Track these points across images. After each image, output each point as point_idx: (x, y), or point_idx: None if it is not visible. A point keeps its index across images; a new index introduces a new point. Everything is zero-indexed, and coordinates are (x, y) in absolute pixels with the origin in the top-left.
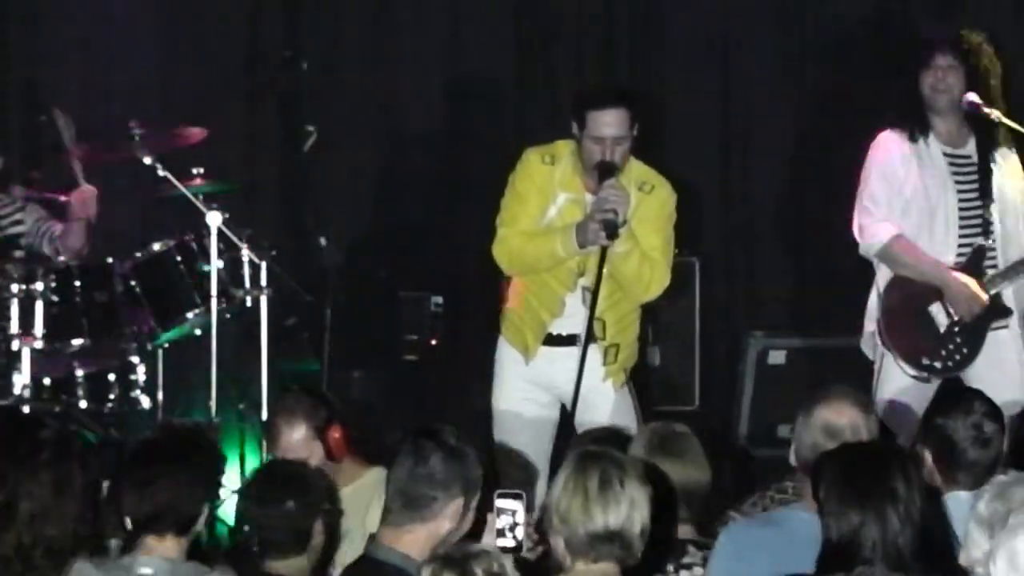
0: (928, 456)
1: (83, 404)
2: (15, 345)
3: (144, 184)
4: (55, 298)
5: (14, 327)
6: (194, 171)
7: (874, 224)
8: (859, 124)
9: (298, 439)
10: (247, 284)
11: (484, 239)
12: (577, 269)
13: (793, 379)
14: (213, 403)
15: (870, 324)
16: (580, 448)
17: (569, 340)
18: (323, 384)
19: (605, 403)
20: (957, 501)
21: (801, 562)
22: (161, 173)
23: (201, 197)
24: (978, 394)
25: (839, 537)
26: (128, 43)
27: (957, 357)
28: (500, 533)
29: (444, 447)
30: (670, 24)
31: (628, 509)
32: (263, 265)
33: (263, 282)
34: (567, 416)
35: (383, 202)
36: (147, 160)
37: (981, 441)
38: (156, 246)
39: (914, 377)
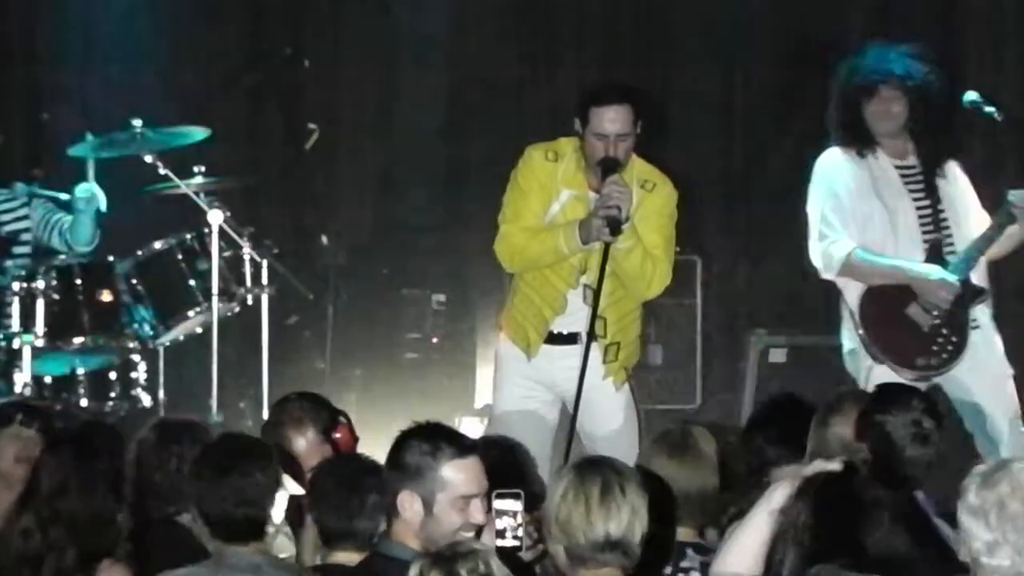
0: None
1: (84, 402)
2: (16, 343)
3: (146, 182)
4: (56, 296)
5: (15, 325)
6: (195, 169)
7: (831, 245)
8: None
9: (308, 443)
10: (248, 282)
11: (486, 237)
12: (579, 266)
13: (794, 377)
14: (214, 402)
15: (849, 343)
16: (579, 458)
17: (570, 339)
18: (324, 382)
19: (605, 401)
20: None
21: None
22: (162, 171)
23: (202, 195)
24: (916, 392)
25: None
26: (130, 41)
27: (949, 348)
28: (500, 534)
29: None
30: (673, 22)
31: (630, 516)
32: (264, 263)
33: (264, 280)
34: (566, 415)
35: (385, 200)
36: (148, 158)
37: (920, 438)
38: (157, 244)
39: (914, 380)
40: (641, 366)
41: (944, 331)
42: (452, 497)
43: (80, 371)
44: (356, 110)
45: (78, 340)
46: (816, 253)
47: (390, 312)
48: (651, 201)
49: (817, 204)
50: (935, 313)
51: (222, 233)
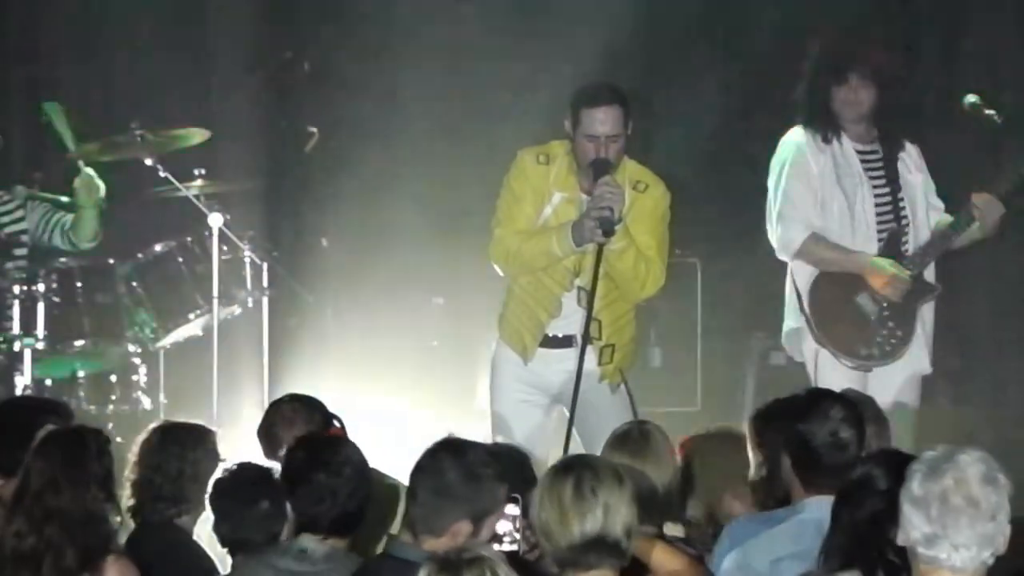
0: (787, 462)
1: (84, 405)
2: (17, 346)
3: (146, 185)
4: (56, 299)
5: (16, 328)
6: (195, 172)
7: (790, 227)
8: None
9: None
10: (249, 285)
11: (485, 240)
12: (573, 269)
13: (795, 380)
14: (215, 404)
15: (791, 322)
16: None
17: (565, 342)
18: (323, 385)
19: (602, 403)
20: (820, 505)
21: (800, 562)
22: (163, 174)
23: (203, 198)
24: (838, 399)
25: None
26: (130, 43)
27: (893, 341)
28: (498, 539)
29: (463, 466)
30: (672, 22)
31: (603, 515)
32: (264, 266)
33: (265, 283)
34: (562, 418)
35: (384, 203)
36: (149, 161)
37: (838, 446)
38: (158, 247)
39: (854, 368)
40: (641, 369)
41: (890, 324)
42: None
43: (80, 374)
44: (356, 113)
45: (79, 343)
46: (774, 233)
47: (390, 315)
48: (643, 202)
49: (780, 183)
50: (884, 305)
51: (222, 236)
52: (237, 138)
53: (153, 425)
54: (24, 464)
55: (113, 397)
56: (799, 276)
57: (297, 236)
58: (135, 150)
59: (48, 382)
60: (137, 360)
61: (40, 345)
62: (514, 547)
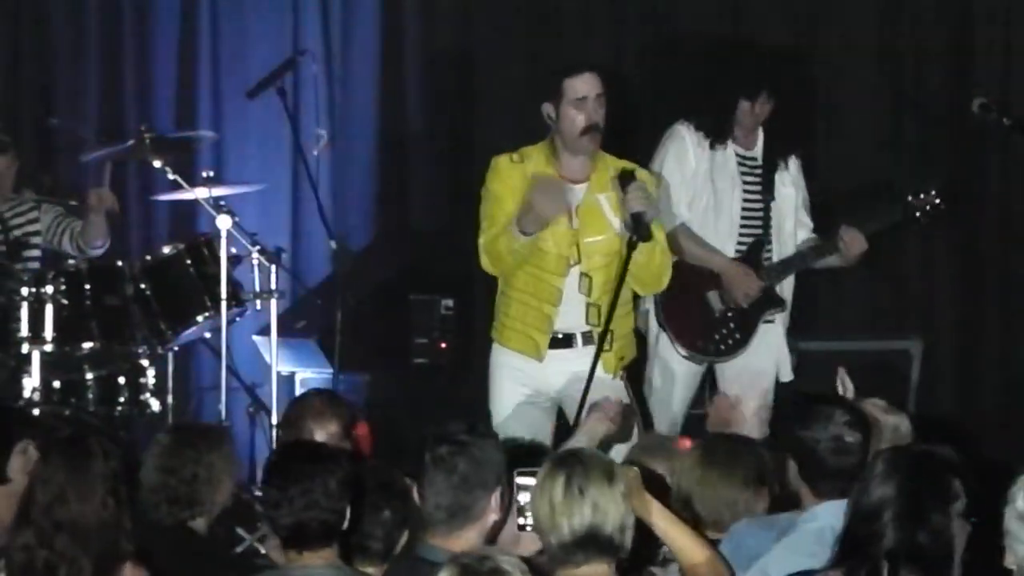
0: (792, 467)
1: (92, 408)
2: (25, 348)
3: (154, 187)
4: (65, 301)
5: (24, 330)
6: (204, 174)
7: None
8: (861, 120)
9: (330, 438)
10: (257, 287)
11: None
12: (570, 257)
13: (802, 383)
14: (223, 407)
15: (646, 303)
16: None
17: (565, 342)
18: (332, 387)
19: (602, 389)
20: (831, 509)
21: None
22: (171, 176)
23: (211, 200)
24: (840, 403)
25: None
26: (138, 46)
27: (729, 342)
28: (521, 512)
29: (465, 450)
30: (677, 23)
31: (591, 512)
32: (273, 268)
33: (273, 285)
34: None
35: (392, 204)
36: (157, 163)
37: (843, 451)
38: (166, 249)
39: (685, 358)
40: (641, 370)
41: (731, 324)
42: None
43: (89, 376)
44: (364, 114)
45: (87, 345)
46: None
47: (398, 317)
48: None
49: (660, 171)
50: (731, 307)
51: (230, 238)
52: (246, 140)
53: (167, 426)
54: (30, 477)
55: (121, 399)
56: None
57: (305, 238)
58: (143, 152)
59: (56, 384)
60: (145, 362)
61: (48, 347)
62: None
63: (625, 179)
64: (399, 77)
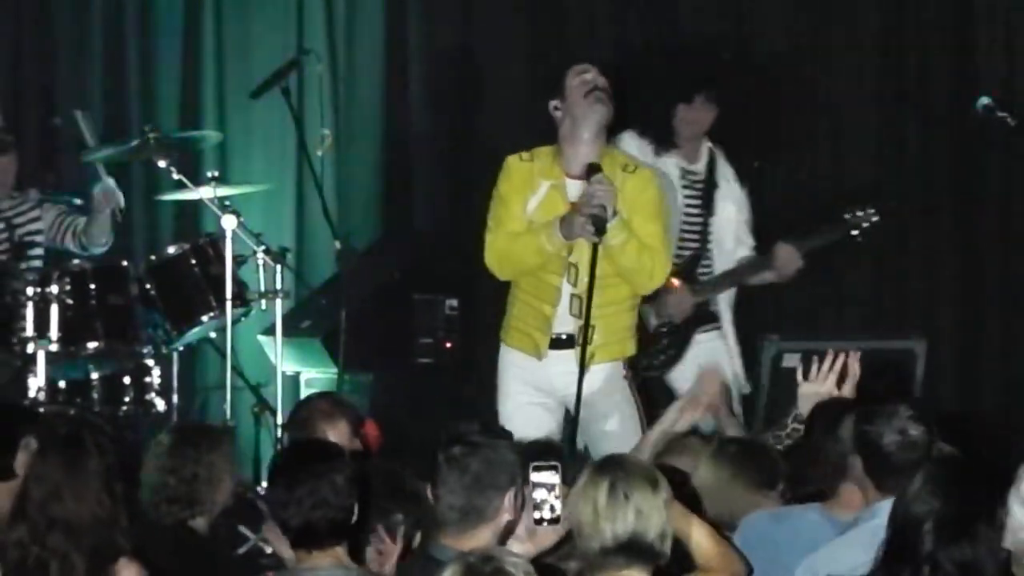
0: (859, 464)
1: (97, 407)
2: (30, 348)
3: (159, 187)
4: (70, 301)
5: (29, 330)
6: (209, 174)
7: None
8: (861, 121)
9: (340, 438)
10: (262, 287)
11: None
12: (564, 255)
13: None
14: (228, 406)
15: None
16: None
17: (567, 342)
18: (337, 388)
19: (602, 401)
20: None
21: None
22: (176, 176)
23: (216, 200)
24: (903, 399)
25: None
26: (142, 46)
27: (663, 357)
28: (536, 506)
29: (478, 450)
30: (682, 22)
31: (635, 519)
32: (277, 268)
33: (278, 285)
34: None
35: (397, 204)
36: (162, 163)
37: (907, 445)
38: (171, 249)
39: None
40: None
41: (664, 341)
42: None
43: (94, 376)
44: (368, 114)
45: (92, 345)
46: None
47: (402, 317)
48: (635, 183)
49: None
50: (666, 322)
51: (235, 238)
52: (250, 140)
53: (168, 426)
54: (25, 473)
55: (126, 399)
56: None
57: (309, 238)
58: (148, 152)
59: (62, 384)
60: (150, 362)
61: (54, 347)
62: (553, 515)
63: (590, 170)
64: (403, 77)
